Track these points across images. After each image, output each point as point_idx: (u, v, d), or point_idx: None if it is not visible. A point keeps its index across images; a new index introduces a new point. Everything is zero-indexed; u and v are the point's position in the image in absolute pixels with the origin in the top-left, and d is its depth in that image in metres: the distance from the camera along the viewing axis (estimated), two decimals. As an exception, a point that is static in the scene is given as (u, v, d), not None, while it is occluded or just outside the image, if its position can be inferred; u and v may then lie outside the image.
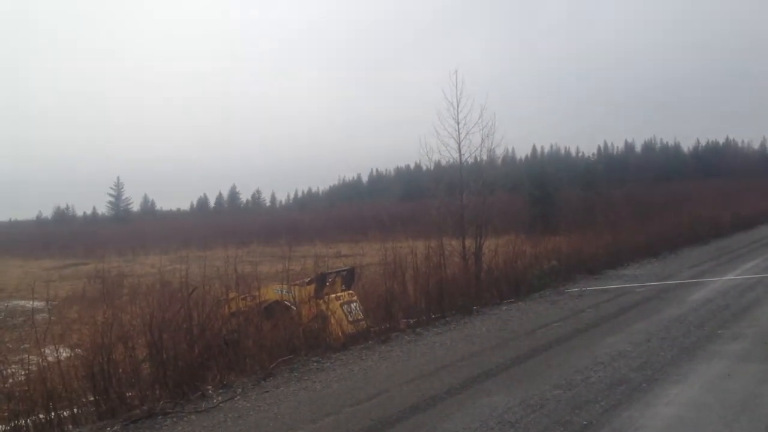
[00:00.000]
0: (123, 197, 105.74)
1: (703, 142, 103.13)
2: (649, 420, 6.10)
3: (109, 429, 7.08)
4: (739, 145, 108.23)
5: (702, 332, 9.78)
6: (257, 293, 10.97)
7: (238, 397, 7.99)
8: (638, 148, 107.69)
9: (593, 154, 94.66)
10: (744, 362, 7.94)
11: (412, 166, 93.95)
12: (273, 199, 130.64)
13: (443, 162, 17.17)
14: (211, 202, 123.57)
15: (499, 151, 17.85)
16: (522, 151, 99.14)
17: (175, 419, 7.30)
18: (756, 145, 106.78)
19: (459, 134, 15.72)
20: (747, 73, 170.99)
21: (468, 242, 15.37)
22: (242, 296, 10.63)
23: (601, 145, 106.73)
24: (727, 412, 6.14)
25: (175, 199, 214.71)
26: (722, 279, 15.08)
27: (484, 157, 16.52)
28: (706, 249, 22.16)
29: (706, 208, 29.78)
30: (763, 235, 25.95)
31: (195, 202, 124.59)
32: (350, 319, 11.03)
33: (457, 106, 15.56)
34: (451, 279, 13.85)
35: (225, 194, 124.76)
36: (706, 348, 8.80)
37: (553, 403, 6.85)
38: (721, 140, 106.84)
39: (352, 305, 11.28)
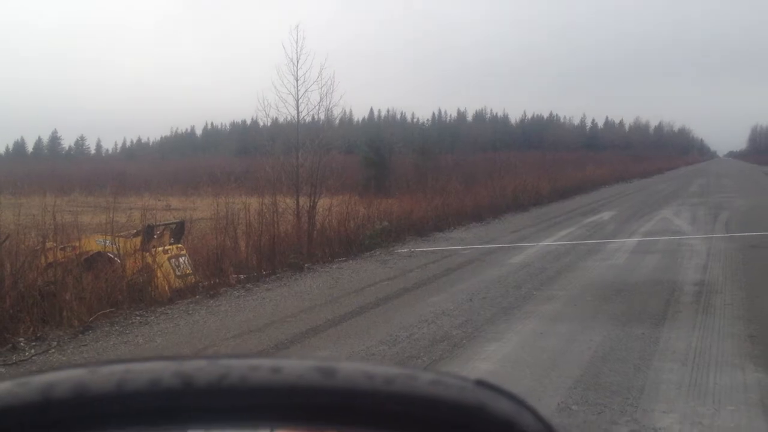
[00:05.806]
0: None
1: (529, 115, 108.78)
2: (467, 375, 6.39)
3: None
4: (561, 120, 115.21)
5: (519, 293, 10.34)
6: (78, 244, 10.39)
7: (53, 350, 7.59)
8: (470, 117, 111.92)
9: (428, 121, 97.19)
10: (555, 322, 8.49)
11: (248, 121, 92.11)
12: (99, 146, 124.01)
13: (281, 119, 16.96)
14: (30, 147, 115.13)
15: (337, 112, 17.91)
16: (360, 114, 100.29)
17: (-20, 374, 6.83)
18: (576, 121, 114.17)
19: (298, 91, 15.57)
20: (579, 51, 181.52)
21: (302, 201, 15.35)
22: (61, 246, 10.03)
23: (436, 113, 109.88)
24: (538, 368, 6.55)
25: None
26: (540, 244, 15.98)
27: (322, 117, 16.54)
28: (527, 216, 23.35)
29: (528, 178, 31.35)
30: (578, 205, 27.75)
31: (11, 146, 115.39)
32: (178, 273, 10.73)
33: (297, 62, 15.40)
34: (283, 236, 13.81)
35: (45, 139, 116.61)
36: (522, 308, 9.32)
37: (377, 357, 7.03)
38: (546, 114, 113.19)
39: (181, 259, 10.97)
